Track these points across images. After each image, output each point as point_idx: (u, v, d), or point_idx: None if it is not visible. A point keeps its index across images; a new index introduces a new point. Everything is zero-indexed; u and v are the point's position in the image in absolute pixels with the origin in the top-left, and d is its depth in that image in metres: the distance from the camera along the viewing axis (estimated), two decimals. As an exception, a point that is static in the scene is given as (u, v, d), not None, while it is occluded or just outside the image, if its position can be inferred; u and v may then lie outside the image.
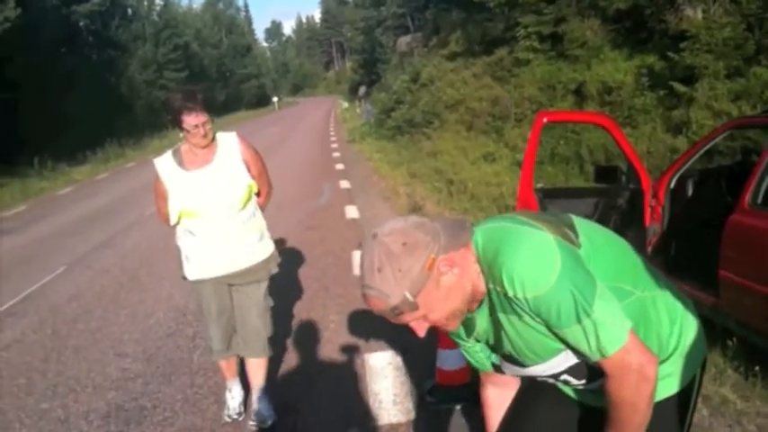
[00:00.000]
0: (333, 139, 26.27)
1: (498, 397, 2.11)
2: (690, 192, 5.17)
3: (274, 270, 4.01)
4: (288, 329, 5.63)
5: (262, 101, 74.30)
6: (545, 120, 5.16)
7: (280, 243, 8.57)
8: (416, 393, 4.27)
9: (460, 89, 16.61)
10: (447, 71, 18.75)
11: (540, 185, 5.60)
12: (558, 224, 1.74)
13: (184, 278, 3.90)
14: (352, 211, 10.78)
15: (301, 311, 6.06)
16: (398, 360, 4.78)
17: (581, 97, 13.04)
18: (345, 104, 45.66)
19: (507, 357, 1.85)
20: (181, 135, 3.62)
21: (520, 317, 1.69)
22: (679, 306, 1.87)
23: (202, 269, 3.76)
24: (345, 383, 4.56)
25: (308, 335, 5.46)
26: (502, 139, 13.89)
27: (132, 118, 36.14)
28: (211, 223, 3.64)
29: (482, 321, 1.81)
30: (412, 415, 4.03)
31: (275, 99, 69.52)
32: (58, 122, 26.36)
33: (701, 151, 5.21)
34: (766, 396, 3.81)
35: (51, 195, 17.34)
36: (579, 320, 1.59)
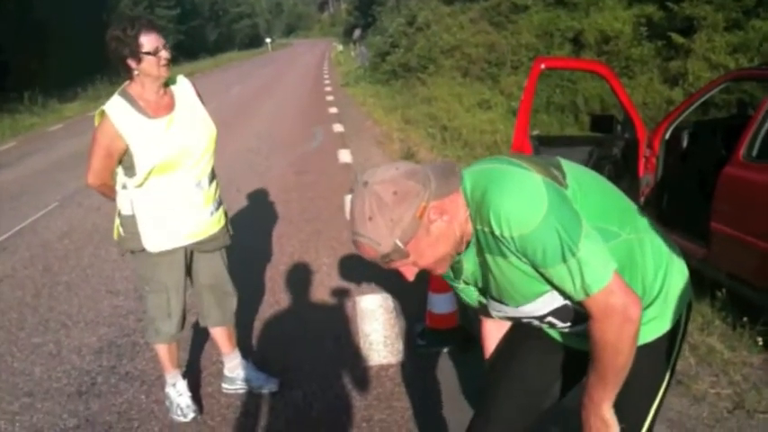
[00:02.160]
0: (327, 82, 26.02)
1: (497, 329, 2.15)
2: (685, 143, 5.16)
3: (231, 231, 3.61)
4: (280, 272, 5.66)
5: (254, 41, 73.38)
6: (542, 66, 5.12)
7: (273, 187, 8.57)
8: (406, 336, 4.32)
9: (457, 34, 16.38)
10: (444, 15, 18.45)
11: (535, 133, 5.58)
12: (546, 166, 1.74)
13: (132, 251, 3.34)
14: (345, 156, 10.74)
15: (293, 254, 6.08)
16: (389, 303, 4.82)
17: (578, 46, 12.91)
18: (340, 47, 45.05)
19: (494, 299, 1.86)
20: (135, 72, 3.06)
21: (506, 257, 1.69)
22: (665, 251, 1.88)
23: (173, 238, 3.27)
24: (337, 325, 4.60)
25: (301, 278, 5.48)
26: (497, 86, 13.77)
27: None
28: (184, 180, 3.21)
29: (469, 264, 1.82)
30: (401, 356, 4.08)
31: (268, 40, 68.60)
32: (48, 58, 25.99)
33: (698, 103, 5.20)
34: (752, 346, 3.86)
35: (42, 131, 17.20)
36: (564, 260, 1.59)
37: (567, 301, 1.76)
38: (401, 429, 3.39)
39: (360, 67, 26.75)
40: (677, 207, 5.03)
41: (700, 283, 4.50)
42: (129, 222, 3.26)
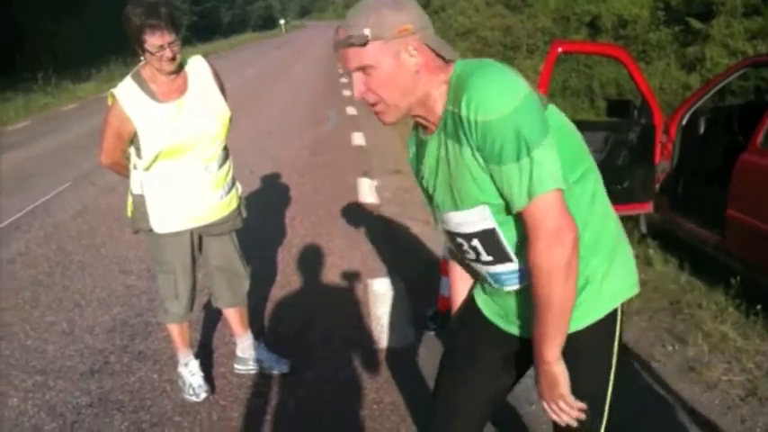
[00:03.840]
0: (340, 65, 25.92)
1: (464, 285, 2.16)
2: (702, 130, 5.12)
3: (244, 214, 3.62)
4: (292, 254, 5.66)
5: (268, 23, 73.23)
6: (560, 50, 5.06)
7: (285, 169, 8.56)
8: (417, 319, 4.32)
9: (472, 17, 16.29)
10: (459, -2, 18.39)
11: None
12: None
13: (137, 231, 3.40)
14: (358, 138, 10.71)
15: (306, 236, 6.08)
16: (401, 286, 4.82)
17: (595, 30, 12.80)
18: (354, 30, 44.81)
19: (438, 207, 1.85)
20: (142, 59, 3.07)
21: (461, 146, 1.68)
22: (613, 234, 1.84)
23: (179, 220, 3.27)
24: (348, 307, 4.61)
25: (313, 260, 5.49)
26: (513, 69, 13.69)
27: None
28: (192, 164, 3.19)
29: (431, 156, 1.80)
30: (412, 340, 4.09)
31: (282, 22, 68.41)
32: (62, 38, 26.03)
33: (715, 89, 5.14)
34: (766, 335, 3.84)
35: (56, 111, 17.23)
36: (519, 158, 1.57)
37: (496, 226, 1.74)
38: (411, 412, 3.39)
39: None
40: (693, 193, 4.99)
41: (714, 270, 4.48)
42: (139, 202, 3.28)
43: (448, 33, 16.74)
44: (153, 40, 2.93)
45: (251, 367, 3.79)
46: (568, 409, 1.75)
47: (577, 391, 1.77)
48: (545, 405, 1.79)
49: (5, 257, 6.09)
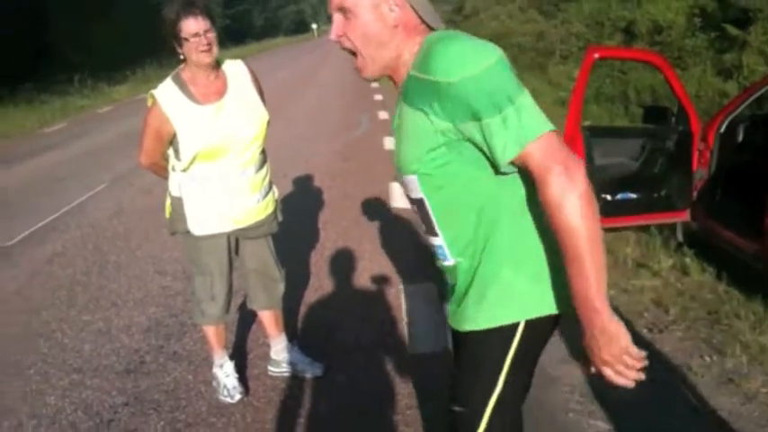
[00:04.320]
0: (372, 69, 25.96)
1: None
2: (740, 137, 5.05)
3: (280, 219, 3.64)
4: (324, 258, 5.68)
5: (300, 27, 73.58)
6: (596, 56, 5.03)
7: (317, 173, 8.59)
8: (449, 325, 4.30)
9: (505, 22, 16.26)
10: (492, 3, 18.31)
11: (586, 124, 5.50)
12: None
13: (175, 233, 3.45)
14: (390, 143, 10.70)
15: (337, 240, 6.09)
16: (433, 291, 4.81)
17: (630, 36, 12.69)
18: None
19: (396, 163, 1.86)
20: (181, 57, 3.11)
21: (414, 110, 1.67)
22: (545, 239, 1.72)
23: (216, 222, 3.29)
24: (380, 312, 4.61)
25: (344, 263, 5.50)
26: (545, 75, 13.61)
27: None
28: (230, 167, 3.20)
29: (395, 120, 1.82)
30: (445, 345, 4.07)
31: (314, 26, 68.64)
32: (99, 41, 26.39)
33: (754, 96, 5.07)
34: (806, 347, 3.78)
35: (92, 113, 17.48)
36: (501, 110, 1.52)
37: (424, 197, 1.74)
38: (444, 418, 3.38)
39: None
40: (731, 202, 4.92)
41: (752, 280, 4.42)
42: (177, 203, 3.32)
43: (480, 38, 16.66)
44: (188, 27, 2.98)
45: (284, 370, 3.81)
46: (634, 364, 1.56)
47: (457, 399, 1.78)
48: (605, 370, 1.58)
49: (43, 257, 6.19)
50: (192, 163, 3.16)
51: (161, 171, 3.38)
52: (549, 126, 1.55)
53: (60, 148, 12.19)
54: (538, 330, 1.76)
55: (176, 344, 4.31)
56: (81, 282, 5.51)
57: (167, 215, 3.45)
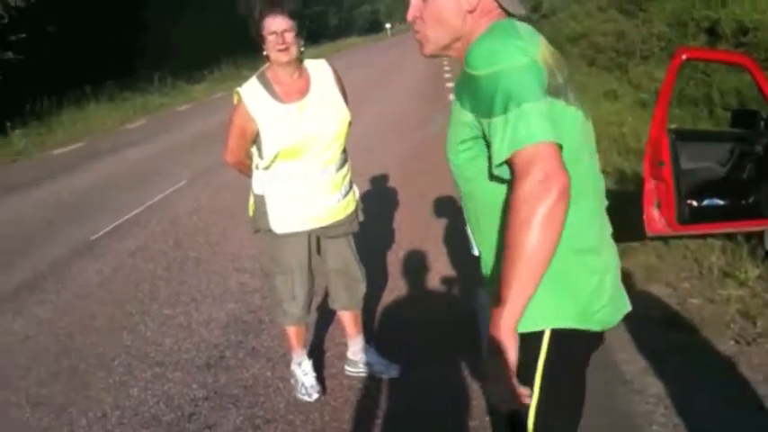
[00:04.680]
0: (446, 68, 25.84)
1: None
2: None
3: (361, 218, 3.65)
4: (399, 259, 5.67)
5: (374, 27, 73.91)
6: (684, 57, 4.88)
7: (392, 173, 8.59)
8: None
9: (584, 21, 15.94)
10: (570, 2, 18.01)
11: (673, 126, 5.33)
12: (559, 70, 1.65)
13: (257, 231, 3.48)
14: (465, 143, 10.63)
15: (412, 241, 6.07)
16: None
17: (714, 37, 12.27)
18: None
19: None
20: (265, 55, 3.19)
21: (458, 98, 1.71)
22: (594, 250, 1.72)
23: (298, 221, 3.32)
24: (455, 314, 4.56)
25: (419, 265, 5.48)
26: (625, 76, 13.30)
27: (248, 39, 36.53)
28: (311, 166, 3.24)
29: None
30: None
31: (388, 26, 68.91)
32: (179, 41, 27.01)
33: None
34: None
35: (171, 111, 17.91)
36: (506, 110, 1.50)
37: (461, 187, 1.79)
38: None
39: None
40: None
41: None
42: (260, 202, 3.36)
43: (558, 38, 16.44)
44: (269, 25, 3.09)
45: (361, 370, 3.81)
46: (504, 394, 1.57)
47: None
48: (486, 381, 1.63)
49: (126, 251, 6.37)
50: (273, 161, 3.20)
51: (245, 169, 3.43)
52: (548, 137, 1.49)
53: (141, 145, 12.52)
54: (571, 340, 1.70)
55: (254, 340, 4.37)
56: (162, 276, 5.64)
57: (251, 213, 3.48)
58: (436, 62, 29.99)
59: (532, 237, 1.45)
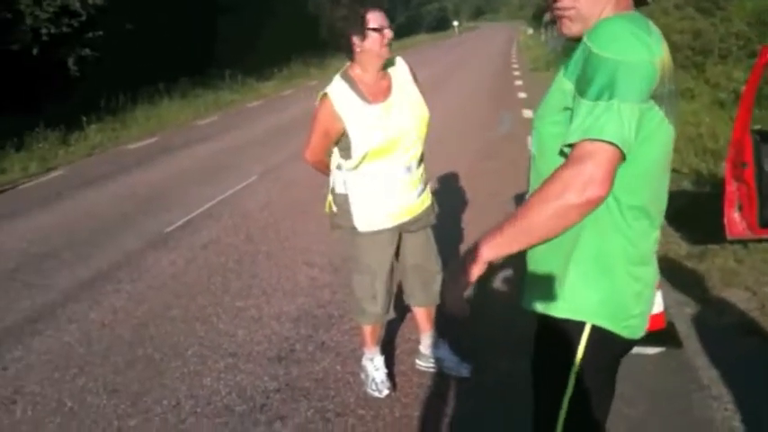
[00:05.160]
0: (515, 66, 25.64)
1: None
2: None
3: (437, 210, 3.68)
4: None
5: (441, 24, 73.72)
6: (770, 55, 4.70)
7: (461, 171, 8.54)
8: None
9: (659, 19, 15.54)
10: (645, 0, 17.60)
11: (757, 128, 5.16)
12: (668, 79, 1.63)
13: (336, 229, 3.50)
14: (534, 143, 10.50)
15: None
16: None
17: (796, 35, 11.85)
18: (530, 31, 44.21)
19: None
20: (358, 50, 3.14)
21: (563, 69, 1.72)
22: (619, 258, 1.72)
23: (382, 218, 3.34)
24: (526, 318, 4.49)
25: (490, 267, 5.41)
26: (702, 75, 12.93)
27: (316, 37, 36.90)
28: (397, 164, 3.26)
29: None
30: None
31: (455, 23, 68.68)
32: (250, 39, 27.39)
33: None
34: None
35: (241, 107, 18.17)
36: (598, 98, 1.52)
37: (534, 154, 1.81)
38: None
39: (551, 51, 26.10)
40: None
41: None
42: (342, 200, 3.37)
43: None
44: (376, 18, 3.09)
45: (431, 365, 3.81)
46: (453, 301, 1.78)
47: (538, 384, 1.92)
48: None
49: (199, 243, 6.48)
50: (361, 161, 3.22)
51: (324, 168, 3.45)
52: (617, 140, 1.51)
53: (213, 141, 12.74)
54: (605, 340, 1.76)
55: (324, 334, 4.40)
56: (234, 269, 5.73)
57: (327, 210, 3.50)
58: (505, 59, 29.79)
59: (541, 214, 1.56)
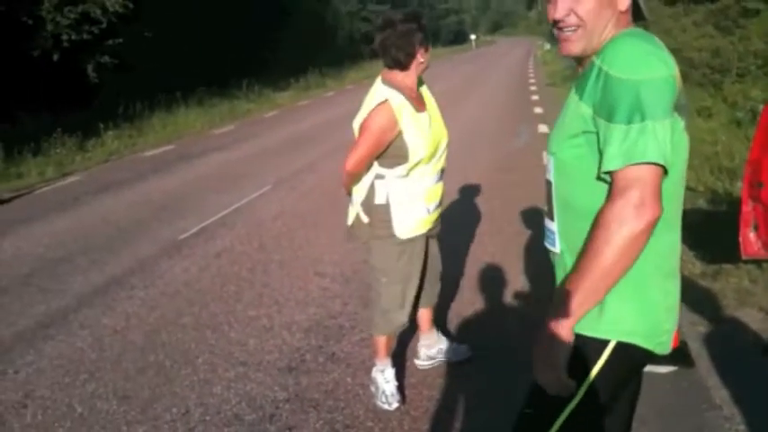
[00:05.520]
0: (532, 81, 25.65)
1: None
2: None
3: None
4: (479, 271, 5.62)
5: (458, 37, 73.91)
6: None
7: (475, 183, 8.54)
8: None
9: (677, 37, 15.51)
10: (664, 16, 17.53)
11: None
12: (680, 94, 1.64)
13: (366, 241, 3.53)
14: (549, 157, 10.48)
15: (495, 255, 6.01)
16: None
17: (815, 56, 11.80)
18: (547, 46, 44.09)
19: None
20: (421, 59, 3.35)
21: (577, 93, 1.71)
22: (649, 272, 1.71)
23: (419, 225, 3.45)
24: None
25: (500, 280, 5.42)
26: (720, 93, 12.88)
27: (333, 48, 37.06)
28: (433, 171, 3.43)
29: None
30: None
31: (473, 37, 68.75)
32: (266, 49, 27.55)
33: None
34: None
35: (258, 118, 18.24)
36: (630, 121, 1.53)
37: (552, 180, 1.80)
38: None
39: (567, 67, 26.05)
40: None
41: None
42: (382, 211, 3.39)
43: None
44: (425, 55, 3.38)
45: (434, 361, 3.99)
46: (553, 382, 1.69)
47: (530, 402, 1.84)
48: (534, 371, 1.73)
49: (212, 251, 6.50)
50: (413, 168, 3.32)
51: (354, 182, 3.46)
52: (660, 160, 1.53)
53: (228, 150, 12.79)
54: (628, 357, 1.76)
55: (335, 345, 4.39)
56: (247, 278, 5.74)
57: (352, 223, 3.55)
58: (522, 74, 29.80)
59: (613, 255, 1.54)
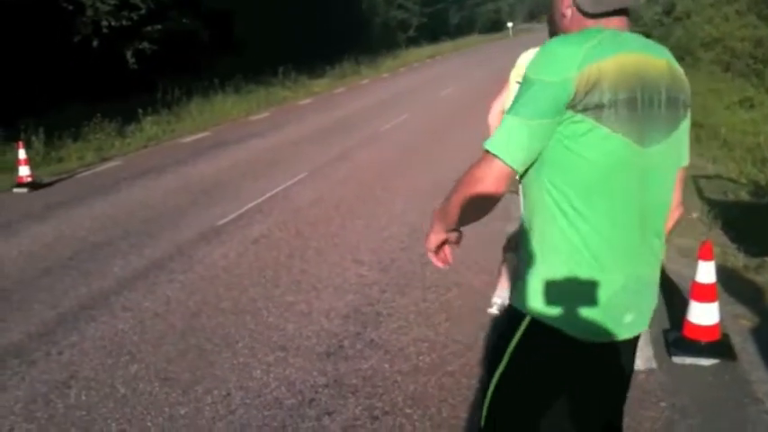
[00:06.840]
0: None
1: None
2: None
3: None
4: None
5: (495, 26, 73.14)
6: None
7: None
8: (659, 342, 4.07)
9: (720, 26, 15.23)
10: (706, 5, 17.22)
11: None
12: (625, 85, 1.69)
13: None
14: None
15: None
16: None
17: None
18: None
19: None
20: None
21: None
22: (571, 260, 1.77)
23: None
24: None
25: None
26: (763, 84, 12.63)
27: (369, 36, 37.00)
28: None
29: None
30: (652, 364, 3.86)
31: (510, 25, 67.98)
32: (303, 36, 27.57)
33: None
34: None
35: (293, 105, 18.32)
36: (509, 112, 1.71)
37: None
38: (648, 439, 3.22)
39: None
40: None
41: None
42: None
43: (692, 42, 15.77)
44: None
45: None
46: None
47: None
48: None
49: (250, 237, 6.56)
50: None
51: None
52: (502, 154, 1.69)
53: (265, 136, 12.86)
54: (545, 335, 1.82)
55: (373, 332, 4.41)
56: (284, 264, 5.78)
57: None
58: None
59: (457, 197, 1.79)
